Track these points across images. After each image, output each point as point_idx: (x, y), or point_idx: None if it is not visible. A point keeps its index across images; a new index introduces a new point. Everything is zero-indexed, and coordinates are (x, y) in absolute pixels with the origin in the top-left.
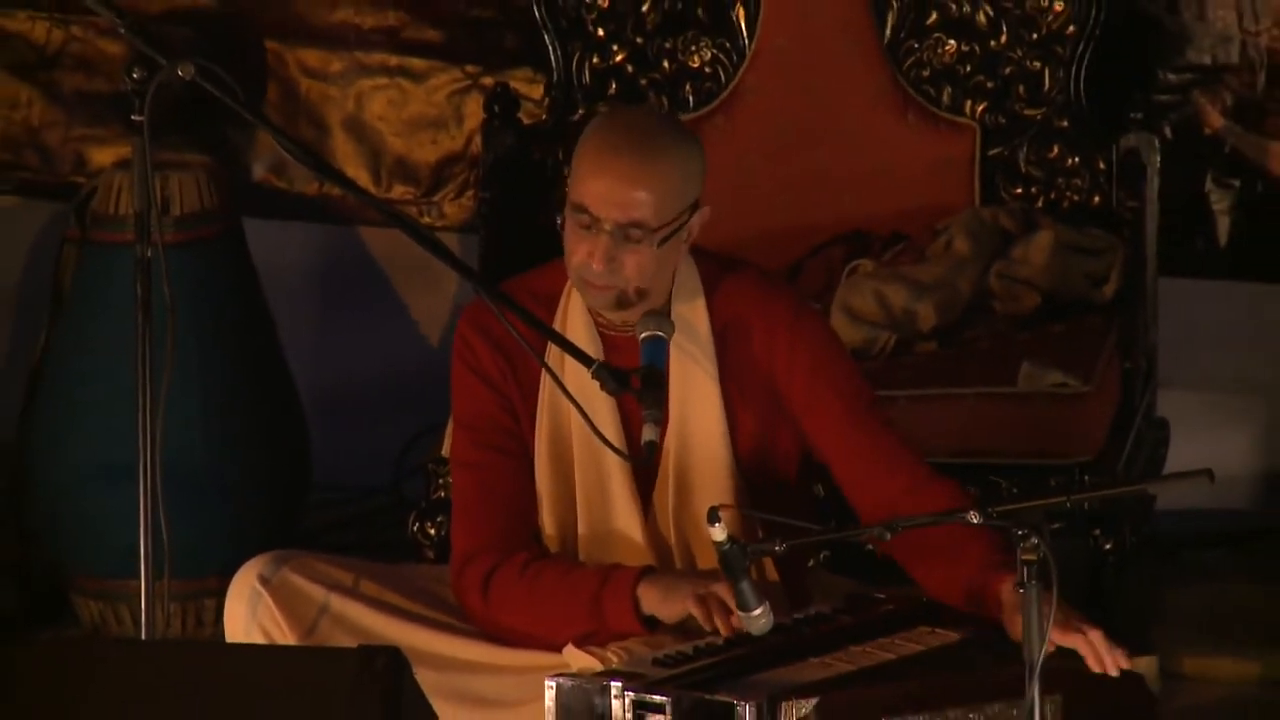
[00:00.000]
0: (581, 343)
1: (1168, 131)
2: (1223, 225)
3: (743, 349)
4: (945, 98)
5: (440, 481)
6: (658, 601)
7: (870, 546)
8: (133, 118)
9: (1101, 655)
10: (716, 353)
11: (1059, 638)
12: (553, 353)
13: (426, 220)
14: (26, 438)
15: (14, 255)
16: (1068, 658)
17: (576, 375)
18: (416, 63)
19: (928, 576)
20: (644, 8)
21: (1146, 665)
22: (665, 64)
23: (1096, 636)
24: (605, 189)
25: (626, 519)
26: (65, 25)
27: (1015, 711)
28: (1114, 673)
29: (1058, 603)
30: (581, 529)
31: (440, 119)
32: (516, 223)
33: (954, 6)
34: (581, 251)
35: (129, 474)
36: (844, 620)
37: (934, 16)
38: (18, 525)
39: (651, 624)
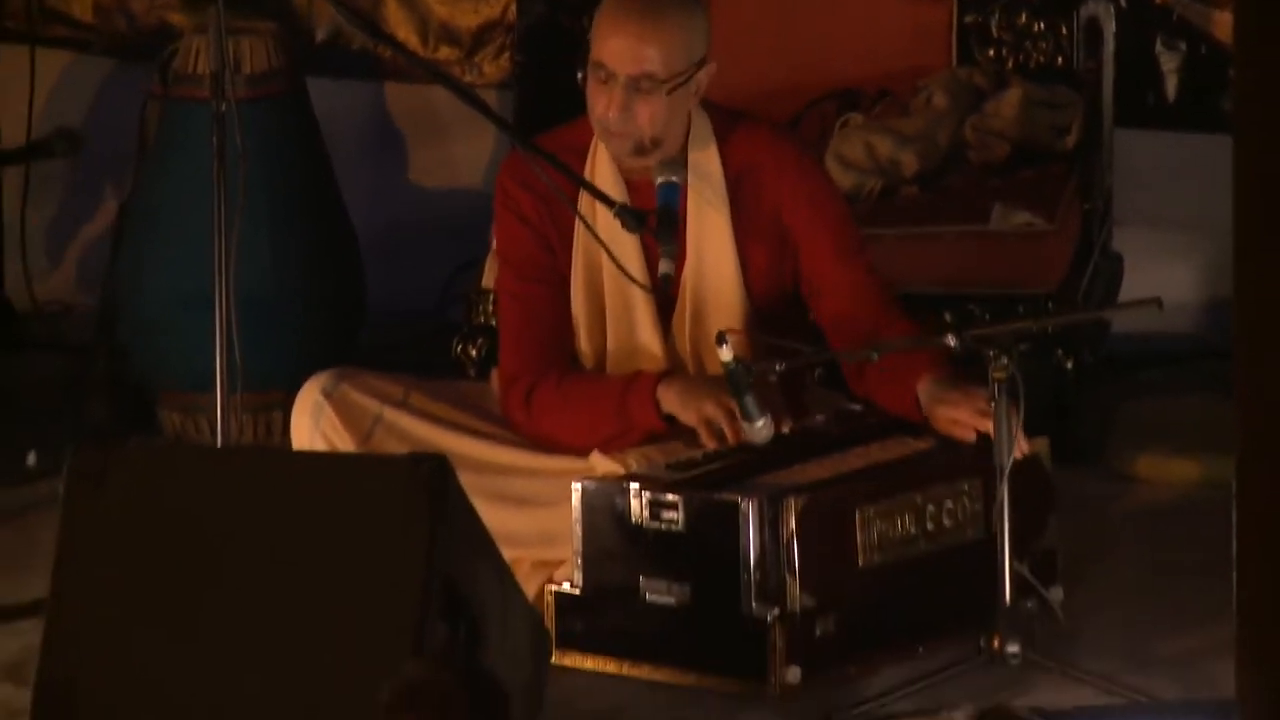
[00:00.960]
0: (608, 188)
1: (1123, 1)
2: (1171, 83)
3: (754, 191)
4: None
5: (480, 309)
6: (676, 402)
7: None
8: None
9: (1011, 438)
10: (730, 195)
11: (967, 419)
12: (585, 196)
13: (468, 79)
14: (116, 270)
15: (105, 109)
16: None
17: (606, 215)
18: None
19: (886, 397)
20: None
21: (1040, 445)
22: None
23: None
24: (619, 46)
25: (649, 340)
26: None
27: (951, 496)
28: (1019, 455)
29: (968, 387)
30: (611, 348)
31: None
32: (546, 82)
33: None
34: (601, 103)
35: (206, 301)
36: (834, 431)
37: None
38: (109, 346)
39: (671, 421)
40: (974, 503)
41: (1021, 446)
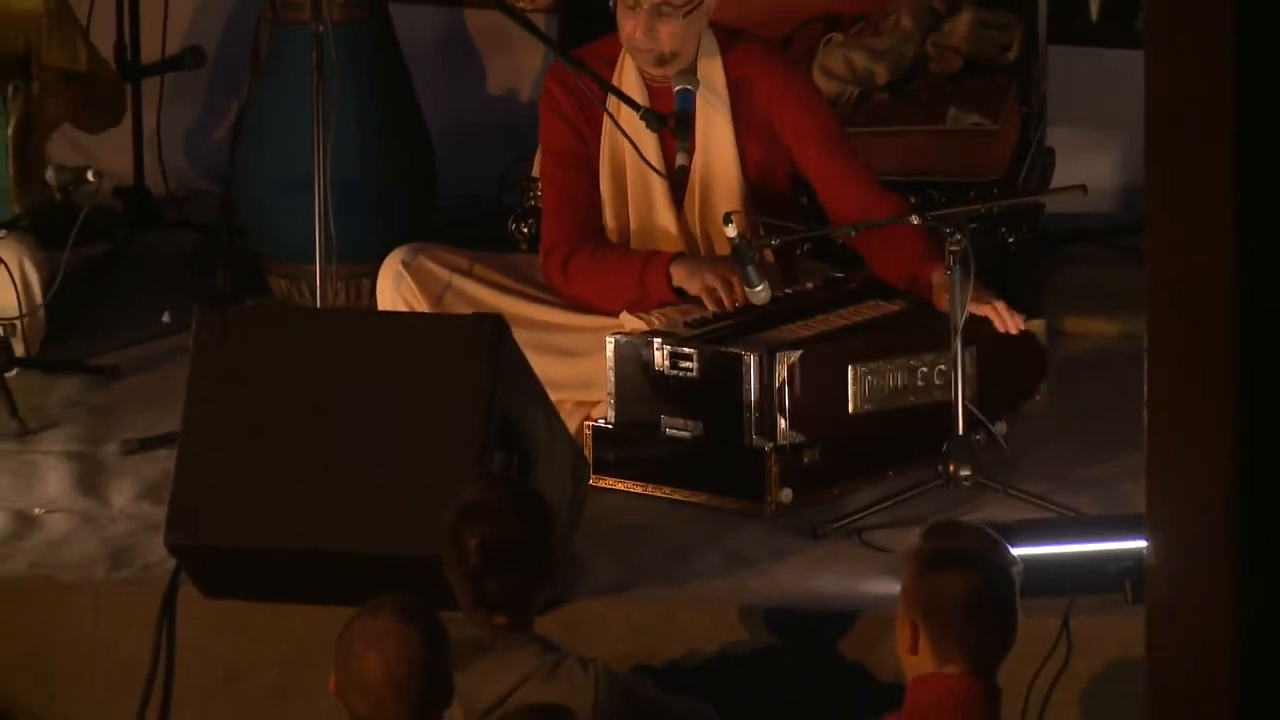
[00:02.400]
0: (633, 93)
1: None
2: (1094, 7)
3: (749, 96)
4: None
5: (530, 193)
6: (684, 276)
7: (840, 241)
8: None
9: (1005, 319)
10: (730, 99)
11: (975, 308)
12: (612, 99)
13: (521, 4)
14: (235, 162)
15: (226, 30)
16: (981, 322)
17: (630, 116)
18: None
19: (881, 265)
20: None
21: (1037, 326)
22: None
23: (1001, 306)
24: None
25: (665, 220)
26: None
27: (942, 361)
28: (1014, 332)
29: (975, 281)
30: (634, 227)
31: None
32: (583, 6)
33: None
34: (629, 25)
35: (307, 187)
36: (820, 295)
37: None
38: (229, 225)
39: (681, 294)
40: (966, 365)
41: (1017, 321)
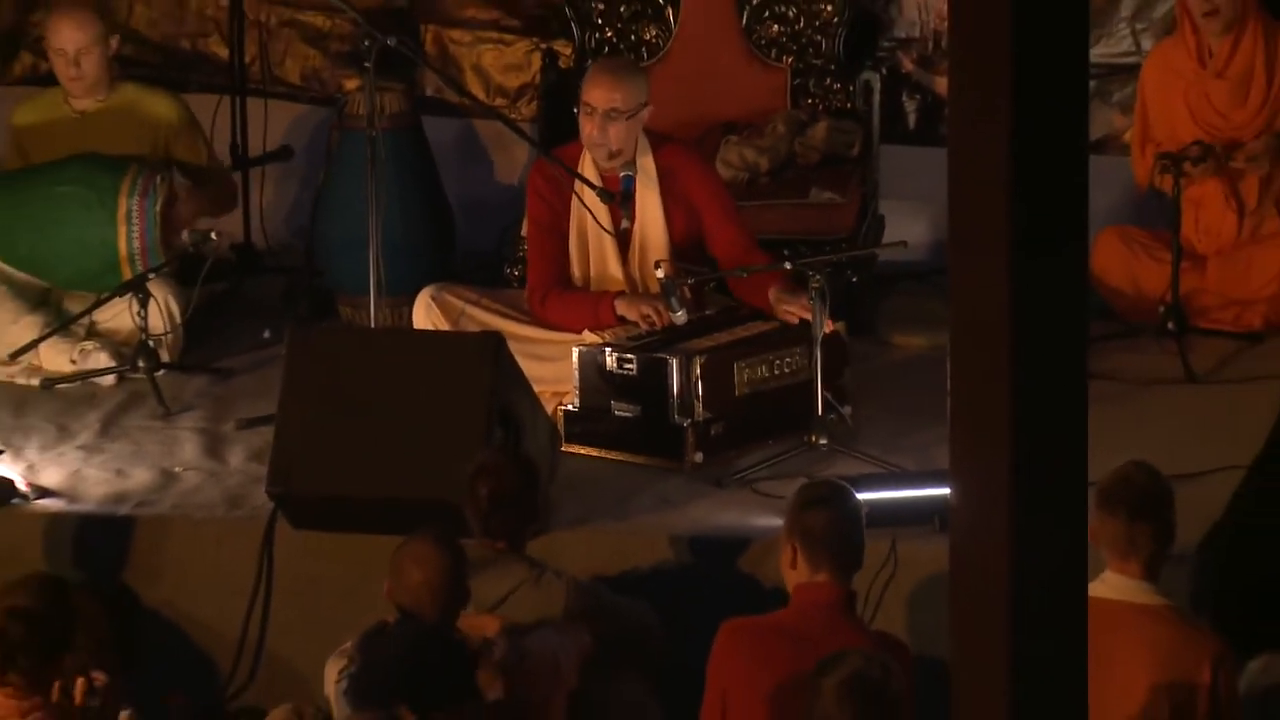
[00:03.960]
0: (591, 179)
1: (884, 70)
2: (912, 117)
3: (673, 180)
4: (773, 54)
5: (519, 249)
6: (625, 309)
7: (728, 282)
8: (364, 64)
9: (821, 322)
10: (659, 182)
11: (800, 314)
12: (577, 182)
13: (513, 116)
14: (314, 225)
15: (309, 134)
16: (806, 325)
17: (589, 195)
18: (508, 36)
19: (748, 295)
20: (620, 8)
21: (840, 326)
22: (631, 37)
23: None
24: (599, 93)
25: (614, 267)
26: (331, 16)
27: (789, 355)
28: (827, 331)
29: (826, 310)
30: (592, 273)
31: (520, 64)
32: (558, 119)
33: (778, 7)
34: (588, 127)
35: (365, 242)
36: (719, 319)
37: (767, 12)
38: (309, 269)
39: (622, 320)
40: (801, 359)
41: (829, 325)
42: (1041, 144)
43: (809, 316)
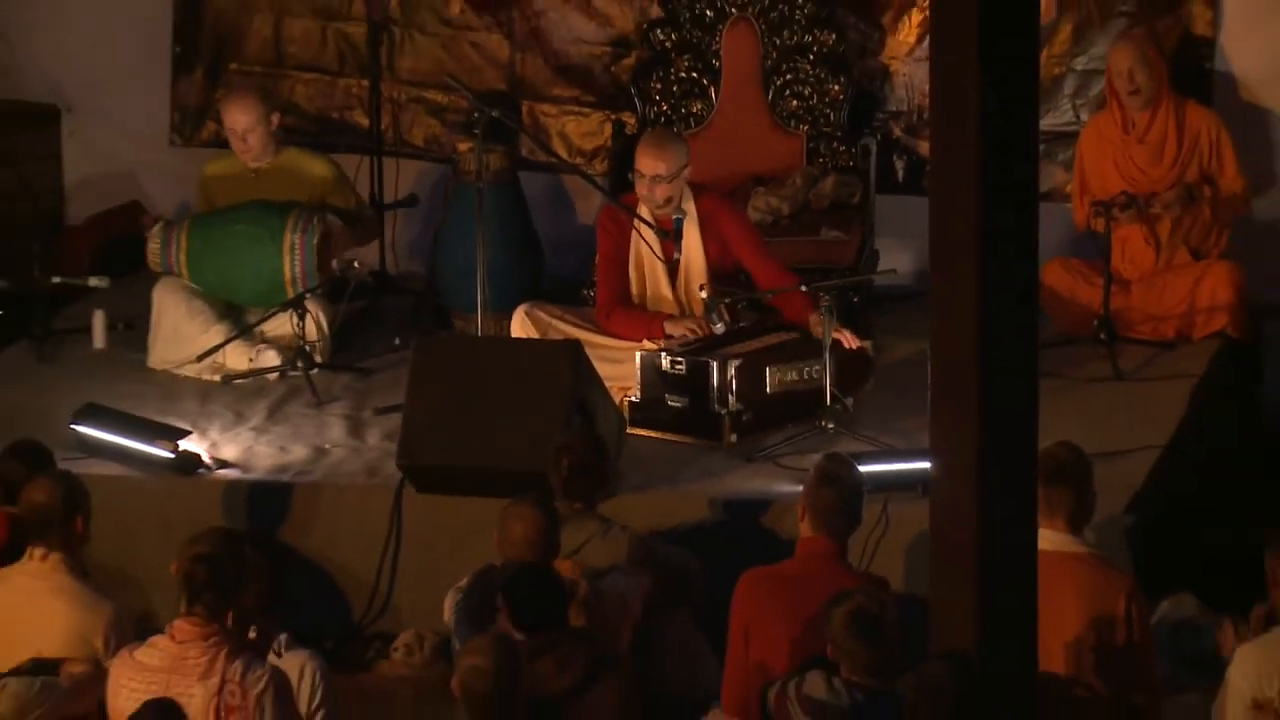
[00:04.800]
0: (647, 220)
1: (879, 136)
2: (902, 172)
3: (710, 222)
4: (792, 124)
5: (592, 276)
6: (671, 328)
7: (762, 300)
8: (474, 131)
9: (849, 340)
10: (700, 223)
11: (834, 335)
12: (637, 221)
13: (590, 171)
14: (435, 257)
15: (431, 185)
16: (836, 342)
17: (647, 232)
18: (586, 109)
19: (784, 310)
20: (674, 87)
21: (869, 345)
22: (681, 110)
23: (847, 333)
24: (646, 161)
25: (665, 290)
26: (448, 94)
27: (816, 364)
28: (854, 348)
29: (834, 320)
30: (648, 294)
31: (595, 131)
32: (623, 173)
33: (796, 87)
34: (642, 188)
35: (474, 271)
36: (751, 330)
37: (788, 91)
38: (431, 291)
39: (669, 337)
40: (821, 365)
41: (857, 342)
42: (1002, 194)
43: (853, 343)
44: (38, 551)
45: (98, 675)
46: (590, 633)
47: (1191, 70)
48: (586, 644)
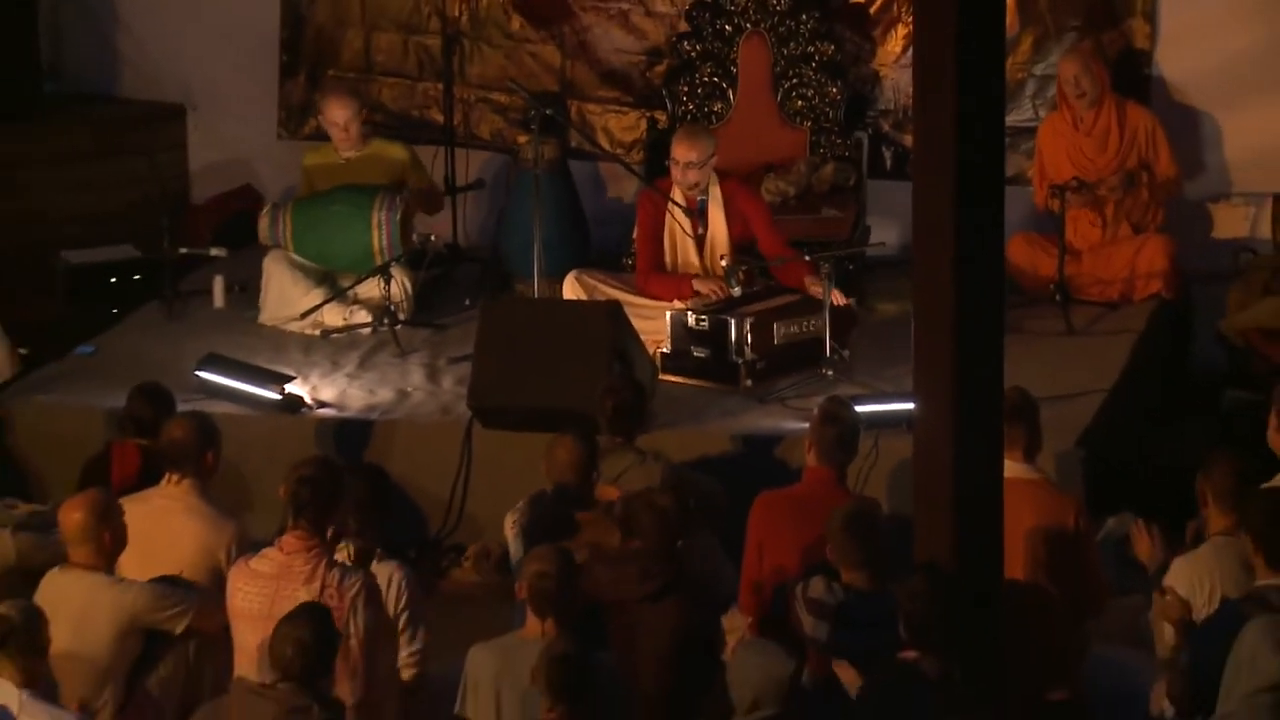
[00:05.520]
0: (679, 201)
1: (870, 131)
2: (889, 162)
3: (732, 203)
4: (797, 120)
5: (631, 246)
6: (699, 285)
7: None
8: (531, 126)
9: (839, 298)
10: (723, 203)
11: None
12: (670, 205)
13: (628, 160)
14: (499, 232)
15: (496, 171)
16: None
17: (679, 212)
18: (625, 108)
19: (786, 278)
20: (699, 90)
21: (853, 301)
22: (705, 109)
23: (837, 293)
24: (680, 150)
25: (693, 259)
26: (510, 95)
27: (813, 318)
28: (842, 304)
29: (831, 287)
30: (679, 262)
31: (633, 126)
32: (657, 162)
33: (801, 90)
34: (675, 172)
35: (532, 244)
36: (763, 293)
37: (794, 93)
38: (496, 260)
39: (697, 294)
40: (819, 320)
41: (844, 300)
42: (974, 179)
43: (840, 300)
44: (174, 477)
45: (220, 594)
46: (675, 553)
47: (1132, 75)
48: (669, 562)
